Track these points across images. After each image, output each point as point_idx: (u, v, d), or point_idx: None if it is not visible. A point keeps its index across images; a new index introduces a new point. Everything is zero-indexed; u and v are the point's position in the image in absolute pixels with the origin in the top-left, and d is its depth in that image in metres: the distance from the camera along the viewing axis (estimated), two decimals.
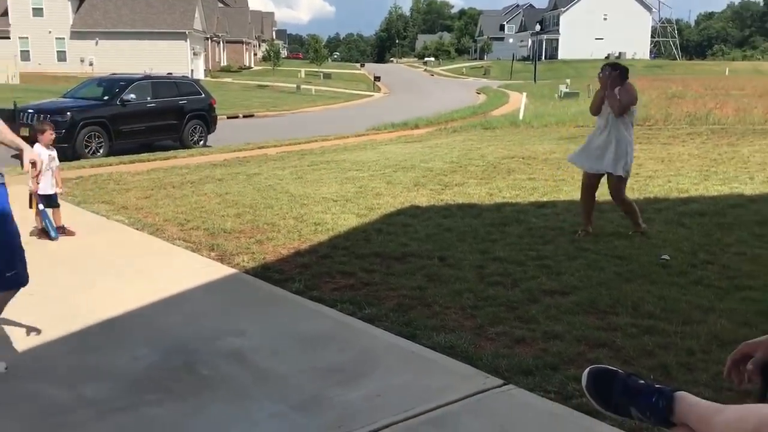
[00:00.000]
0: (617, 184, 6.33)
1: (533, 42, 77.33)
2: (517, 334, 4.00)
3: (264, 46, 75.55)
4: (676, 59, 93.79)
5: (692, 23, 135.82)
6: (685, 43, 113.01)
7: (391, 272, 5.30)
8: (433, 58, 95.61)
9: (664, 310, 4.34)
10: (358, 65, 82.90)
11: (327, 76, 55.47)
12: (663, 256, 5.48)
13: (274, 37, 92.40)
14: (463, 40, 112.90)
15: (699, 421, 1.58)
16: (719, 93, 28.65)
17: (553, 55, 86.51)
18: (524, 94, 24.94)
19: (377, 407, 3.12)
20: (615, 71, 6.31)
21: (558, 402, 3.14)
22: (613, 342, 3.86)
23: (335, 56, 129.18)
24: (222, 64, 60.98)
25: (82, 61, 46.68)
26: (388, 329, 4.10)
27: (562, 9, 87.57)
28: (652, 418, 1.75)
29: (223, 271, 5.42)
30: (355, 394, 3.27)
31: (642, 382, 1.80)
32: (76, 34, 47.60)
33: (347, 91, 43.05)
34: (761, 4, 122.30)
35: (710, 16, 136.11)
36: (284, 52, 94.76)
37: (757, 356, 1.71)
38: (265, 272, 5.33)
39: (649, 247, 5.92)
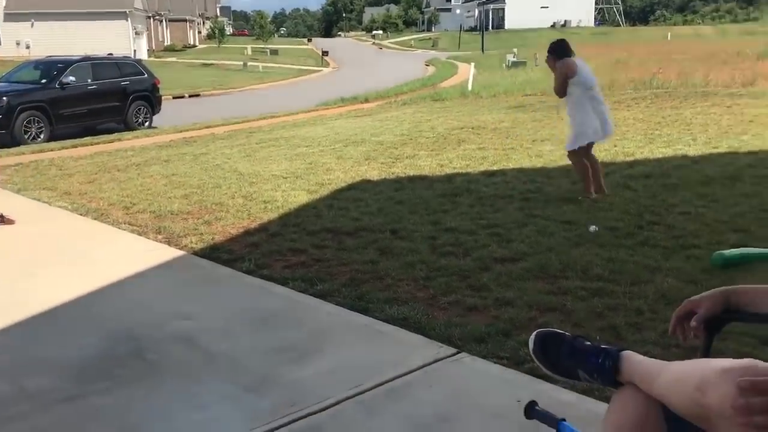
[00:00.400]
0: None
1: (480, 12, 77.50)
2: (469, 302, 4.00)
3: (208, 24, 73.95)
4: (620, 25, 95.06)
5: None
6: (629, 9, 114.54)
7: (342, 247, 5.26)
8: (381, 31, 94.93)
9: (612, 272, 4.40)
10: (305, 40, 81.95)
11: (274, 52, 54.59)
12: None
13: (218, 14, 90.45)
14: (411, 12, 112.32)
15: (644, 379, 1.58)
16: (662, 58, 29.16)
17: (499, 24, 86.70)
18: (472, 64, 25.01)
19: (330, 383, 3.08)
20: (549, 54, 6.47)
21: (510, 368, 3.15)
22: (563, 306, 3.90)
23: (282, 32, 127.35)
24: (166, 44, 59.43)
25: (17, 44, 44.85)
26: (340, 304, 4.06)
27: None
28: (599, 379, 1.75)
29: (170, 253, 5.30)
30: (307, 371, 3.23)
31: (588, 343, 1.80)
32: (9, 16, 45.64)
33: (295, 66, 42.48)
34: None
35: None
36: (229, 30, 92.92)
37: (700, 312, 1.72)
38: (214, 253, 5.23)
39: (597, 211, 6.00)
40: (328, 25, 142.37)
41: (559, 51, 6.41)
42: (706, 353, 1.84)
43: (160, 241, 5.67)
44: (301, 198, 7.02)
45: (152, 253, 5.29)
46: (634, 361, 1.66)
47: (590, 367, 1.75)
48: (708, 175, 7.24)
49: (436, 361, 3.24)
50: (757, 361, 1.36)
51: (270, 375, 3.21)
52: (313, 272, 4.68)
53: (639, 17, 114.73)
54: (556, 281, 4.32)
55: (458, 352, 3.32)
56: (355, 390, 3.00)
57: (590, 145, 6.59)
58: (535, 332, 1.85)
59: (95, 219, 6.54)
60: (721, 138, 9.75)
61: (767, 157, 8.10)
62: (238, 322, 3.88)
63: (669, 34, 62.63)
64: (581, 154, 6.54)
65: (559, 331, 1.83)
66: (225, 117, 16.12)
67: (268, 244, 5.44)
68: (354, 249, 5.19)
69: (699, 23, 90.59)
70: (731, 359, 1.39)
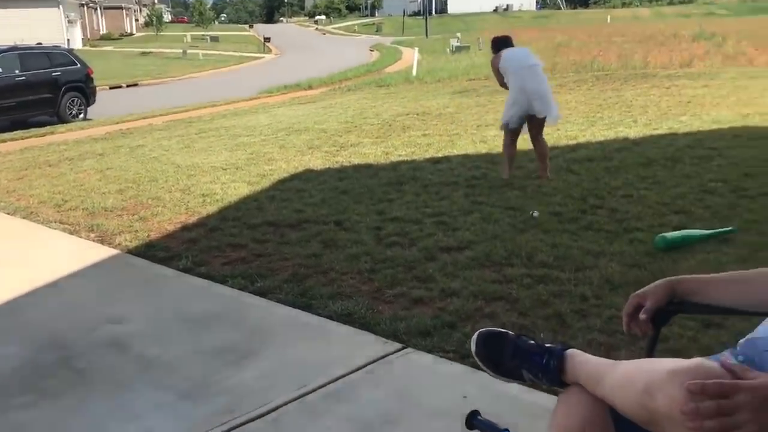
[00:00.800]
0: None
1: None
2: (414, 294, 3.91)
3: (145, 11, 72.08)
4: (561, 9, 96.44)
5: None
6: None
7: (284, 241, 5.10)
8: (323, 17, 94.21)
9: (557, 258, 4.36)
10: (246, 27, 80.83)
11: (214, 39, 53.66)
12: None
13: (156, 1, 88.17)
14: None
15: (590, 379, 1.51)
16: (602, 40, 29.66)
17: (442, 9, 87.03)
18: (416, 49, 24.92)
19: (272, 386, 2.95)
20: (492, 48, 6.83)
21: (456, 362, 3.07)
22: (509, 294, 3.84)
23: (222, 18, 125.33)
24: (101, 32, 57.65)
25: None
26: (282, 301, 3.91)
27: None
28: (544, 379, 1.68)
29: (103, 252, 5.06)
30: (247, 374, 3.09)
31: (532, 342, 1.72)
32: None
33: (236, 53, 41.76)
34: None
35: None
36: (168, 17, 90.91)
37: (647, 306, 1.66)
38: (150, 251, 5.00)
39: (541, 196, 5.98)
40: (270, 10, 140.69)
41: (494, 47, 6.79)
42: (653, 346, 1.79)
43: (93, 240, 5.41)
44: (242, 190, 6.83)
45: (84, 253, 5.05)
46: (579, 360, 1.59)
47: (534, 367, 1.68)
48: (649, 157, 7.31)
49: (381, 357, 3.13)
50: (704, 360, 1.29)
51: (208, 380, 3.06)
52: (254, 268, 4.52)
53: (579, 0, 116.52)
54: (502, 269, 4.26)
55: (404, 348, 3.22)
56: (298, 392, 2.88)
57: (540, 128, 6.62)
58: (477, 332, 1.76)
59: (24, 218, 6.23)
60: (661, 119, 9.90)
61: (705, 138, 8.24)
62: (174, 325, 3.71)
63: (609, 16, 63.89)
64: (512, 135, 6.66)
65: (501, 330, 1.75)
66: (164, 107, 15.69)
67: (206, 239, 5.24)
68: (297, 242, 5.05)
69: (637, 5, 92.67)
70: (678, 359, 1.32)
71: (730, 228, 4.68)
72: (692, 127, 9.08)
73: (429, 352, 3.19)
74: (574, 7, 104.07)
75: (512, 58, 6.63)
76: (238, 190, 6.82)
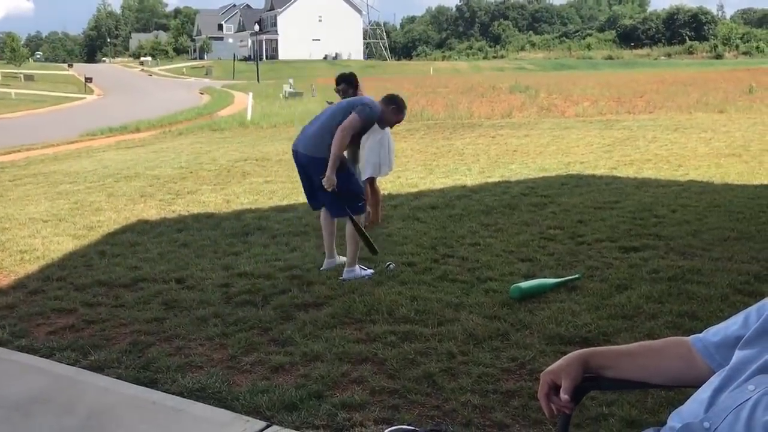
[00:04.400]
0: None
1: (253, 42, 77.42)
2: (274, 360, 3.60)
3: None
4: (386, 60, 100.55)
5: (398, 26, 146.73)
6: (393, 44, 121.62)
7: (120, 303, 4.58)
8: (150, 58, 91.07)
9: (418, 312, 4.25)
10: (65, 66, 76.39)
11: (29, 77, 50.01)
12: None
13: None
14: (181, 40, 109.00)
15: None
16: (428, 91, 31.13)
17: (273, 55, 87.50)
18: (250, 93, 24.60)
19: None
20: (346, 84, 6.50)
21: None
22: (375, 355, 3.64)
23: (38, 56, 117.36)
24: None
25: None
26: (121, 377, 3.43)
27: (279, 10, 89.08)
28: None
29: None
30: None
31: None
32: None
33: (54, 93, 39.03)
34: (454, 9, 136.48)
35: (413, 19, 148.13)
36: None
37: (566, 384, 1.53)
38: None
39: (393, 245, 5.91)
40: (91, 50, 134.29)
41: (357, 84, 6.55)
42: (567, 423, 1.68)
43: None
44: (67, 245, 6.14)
45: None
46: None
47: None
48: (488, 205, 7.53)
49: None
50: None
51: None
52: (86, 338, 3.97)
53: (403, 52, 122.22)
54: (364, 326, 4.07)
55: (269, 425, 2.90)
56: None
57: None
58: (387, 430, 1.57)
59: None
60: (493, 168, 10.37)
61: (536, 185, 8.69)
62: None
63: (431, 68, 67.38)
64: (367, 184, 6.66)
65: (413, 429, 1.56)
66: None
67: (26, 304, 4.58)
68: (134, 305, 4.54)
69: (456, 59, 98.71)
70: None
71: (576, 275, 4.84)
72: (522, 175, 9.57)
73: (297, 429, 2.90)
74: (398, 59, 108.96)
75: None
76: (62, 245, 6.12)
